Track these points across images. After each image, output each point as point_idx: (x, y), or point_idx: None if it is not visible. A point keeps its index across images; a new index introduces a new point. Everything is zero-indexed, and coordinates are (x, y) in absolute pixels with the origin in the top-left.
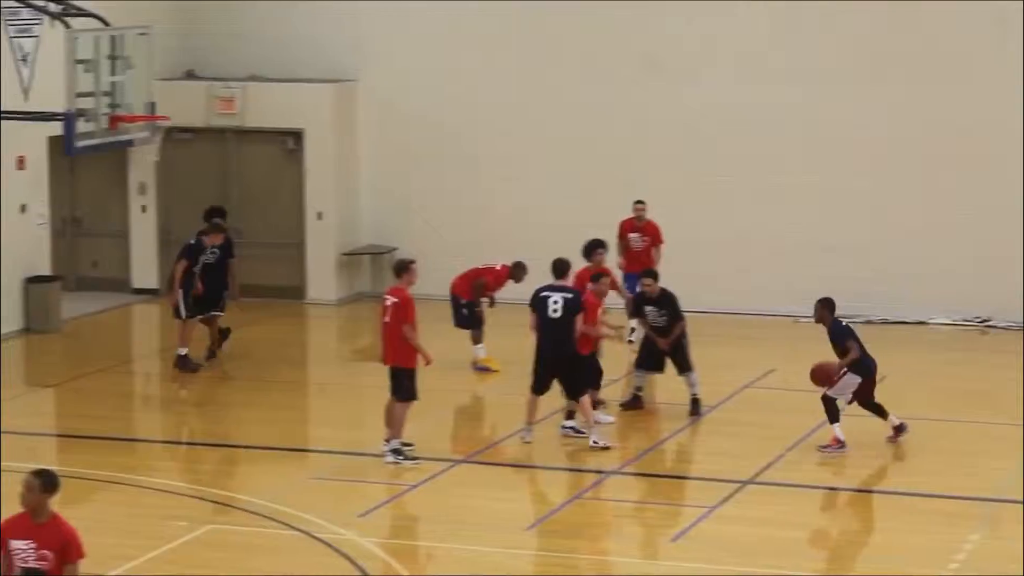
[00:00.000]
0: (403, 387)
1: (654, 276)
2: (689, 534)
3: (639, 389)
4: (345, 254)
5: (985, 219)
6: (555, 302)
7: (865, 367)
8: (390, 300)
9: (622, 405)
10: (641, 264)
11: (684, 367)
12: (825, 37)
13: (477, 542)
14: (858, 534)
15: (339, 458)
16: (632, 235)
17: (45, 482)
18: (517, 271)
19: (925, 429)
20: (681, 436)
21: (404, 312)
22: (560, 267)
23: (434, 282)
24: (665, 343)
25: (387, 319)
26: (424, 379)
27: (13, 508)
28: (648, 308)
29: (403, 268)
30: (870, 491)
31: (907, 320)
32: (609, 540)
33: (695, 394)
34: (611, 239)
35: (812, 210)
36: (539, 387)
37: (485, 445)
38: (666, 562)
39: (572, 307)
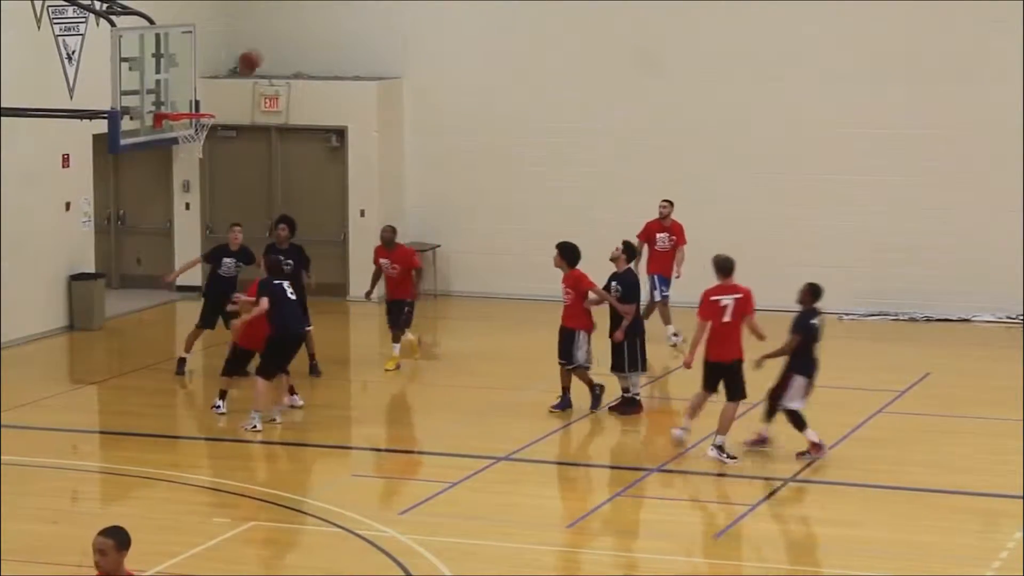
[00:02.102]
0: (740, 387)
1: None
2: (731, 532)
3: (626, 391)
4: None
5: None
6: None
7: (805, 367)
8: (729, 298)
9: (611, 408)
10: (667, 265)
11: (631, 364)
12: (879, 37)
13: (518, 539)
14: (900, 533)
15: (380, 455)
16: (660, 235)
17: (120, 541)
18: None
19: (969, 427)
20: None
21: (746, 307)
22: (725, 265)
23: (477, 281)
24: (619, 334)
25: (728, 318)
26: (460, 375)
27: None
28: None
29: (732, 266)
30: (912, 489)
31: (951, 318)
32: (650, 538)
33: (629, 393)
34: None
35: (859, 208)
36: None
37: (526, 442)
38: (708, 560)
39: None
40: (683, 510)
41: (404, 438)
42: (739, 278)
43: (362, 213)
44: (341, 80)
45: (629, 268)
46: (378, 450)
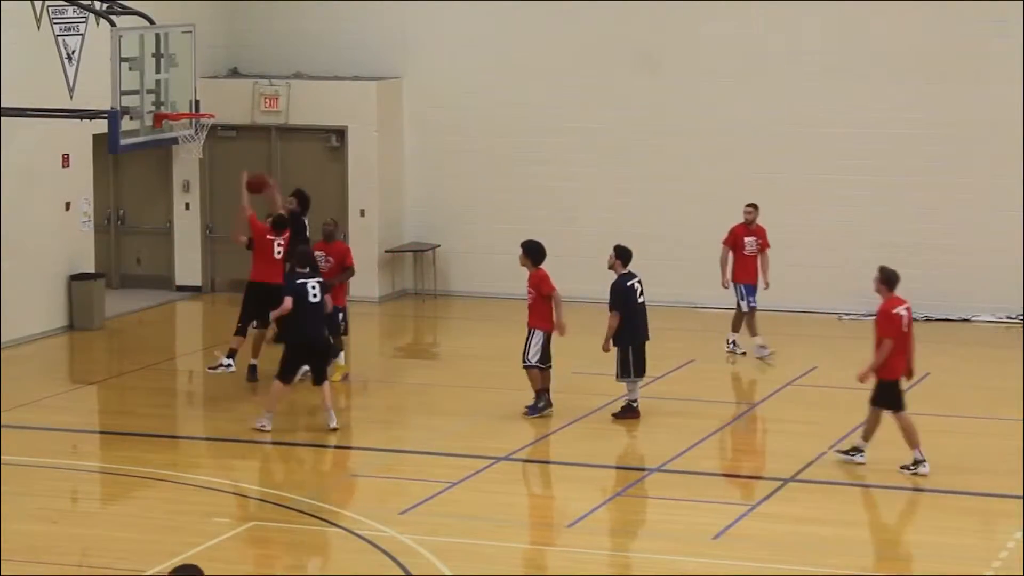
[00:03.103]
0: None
1: None
2: (730, 532)
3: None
4: (388, 251)
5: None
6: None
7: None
8: (903, 309)
9: (614, 416)
10: (753, 273)
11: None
12: (887, 38)
13: (518, 539)
14: (900, 533)
15: (380, 455)
16: (747, 239)
17: None
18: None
19: (969, 427)
20: (722, 433)
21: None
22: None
23: (476, 281)
24: (604, 344)
25: (905, 329)
26: (459, 375)
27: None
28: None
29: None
30: (912, 489)
31: (951, 317)
32: (650, 538)
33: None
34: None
35: (859, 207)
36: None
37: (526, 442)
38: (708, 560)
39: None
40: (682, 510)
41: (403, 438)
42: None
43: (362, 213)
44: (341, 80)
45: (622, 275)
46: (377, 450)
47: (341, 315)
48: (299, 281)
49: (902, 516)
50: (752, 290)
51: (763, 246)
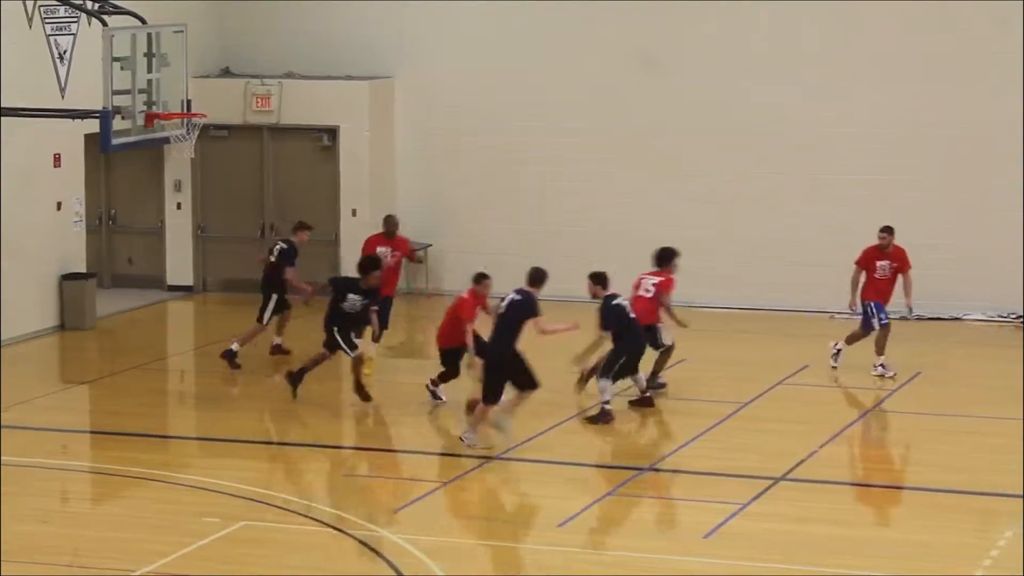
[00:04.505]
0: None
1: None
2: (721, 531)
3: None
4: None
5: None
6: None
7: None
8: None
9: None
10: (885, 292)
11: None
12: (875, 38)
13: (510, 539)
14: (891, 531)
15: (372, 455)
16: (880, 263)
17: None
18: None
19: (962, 425)
20: (714, 432)
21: None
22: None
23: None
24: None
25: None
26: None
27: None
28: None
29: None
30: (904, 488)
31: (943, 316)
32: (641, 537)
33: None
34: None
35: (850, 207)
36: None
37: (518, 441)
38: (698, 559)
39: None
40: (673, 509)
41: (396, 437)
42: (728, 276)
43: (353, 212)
44: (332, 80)
45: (606, 296)
46: (369, 449)
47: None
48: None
49: (893, 515)
50: (881, 308)
51: (900, 268)
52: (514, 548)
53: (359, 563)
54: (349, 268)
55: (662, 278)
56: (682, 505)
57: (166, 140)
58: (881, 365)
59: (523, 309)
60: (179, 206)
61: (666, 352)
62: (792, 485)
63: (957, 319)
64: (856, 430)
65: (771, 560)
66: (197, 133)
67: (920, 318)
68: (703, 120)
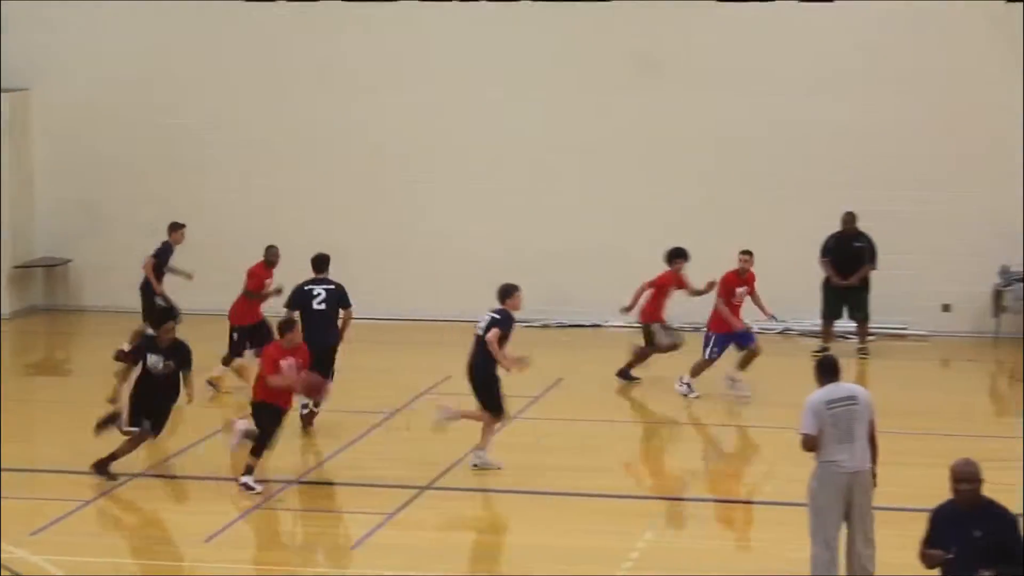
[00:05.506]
0: None
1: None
2: (368, 541)
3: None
4: (17, 267)
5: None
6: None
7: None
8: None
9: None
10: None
11: None
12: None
13: (156, 556)
14: (537, 535)
15: (11, 475)
16: (738, 289)
17: None
18: (269, 254)
19: (601, 430)
20: (358, 444)
21: None
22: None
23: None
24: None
25: None
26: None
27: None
28: None
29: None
30: (551, 493)
31: (584, 323)
32: (289, 550)
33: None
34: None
35: (500, 217)
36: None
37: (164, 457)
38: (348, 571)
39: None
40: (321, 521)
41: (38, 457)
42: (394, 285)
43: None
44: None
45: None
46: (10, 470)
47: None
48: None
49: (542, 520)
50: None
51: (749, 291)
52: (160, 565)
53: None
54: None
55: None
56: (329, 517)
57: None
58: (687, 384)
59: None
60: None
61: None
62: (442, 493)
63: (598, 326)
64: (501, 437)
65: (418, 568)
66: None
67: (562, 325)
68: (372, 128)
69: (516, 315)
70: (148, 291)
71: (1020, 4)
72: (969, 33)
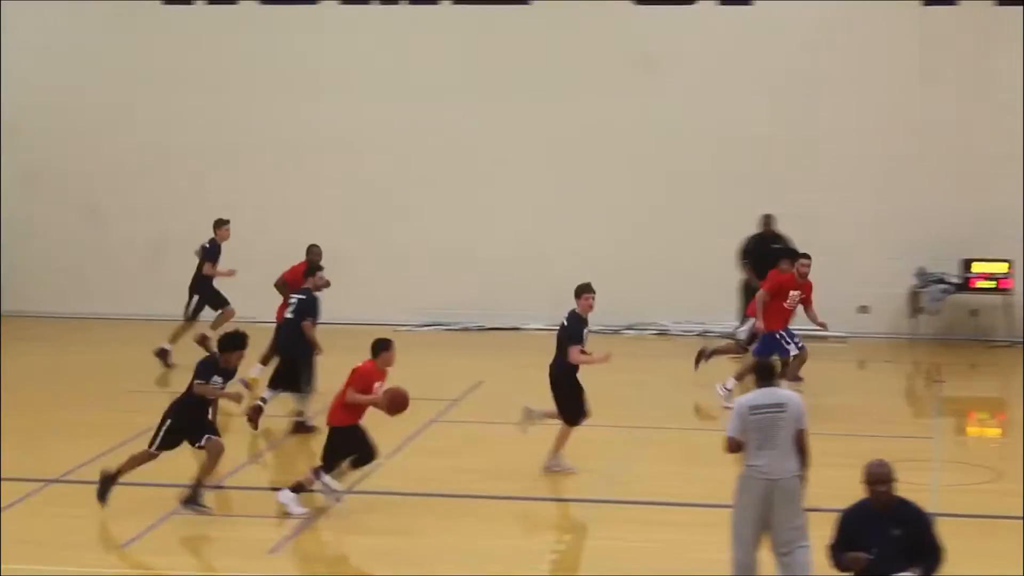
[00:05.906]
0: None
1: None
2: (288, 547)
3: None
4: None
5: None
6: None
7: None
8: None
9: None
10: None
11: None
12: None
13: (67, 563)
14: (455, 539)
15: None
16: (792, 292)
17: None
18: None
19: (519, 433)
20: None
21: None
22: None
23: None
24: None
25: None
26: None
27: None
28: None
29: None
30: (466, 496)
31: (503, 326)
32: (200, 555)
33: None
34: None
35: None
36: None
37: (77, 464)
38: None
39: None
40: (237, 527)
41: None
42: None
43: None
44: None
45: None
46: None
47: None
48: None
49: (455, 523)
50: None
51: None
52: (70, 573)
53: None
54: None
55: None
56: (243, 522)
57: None
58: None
59: None
60: None
61: None
62: (362, 497)
63: (517, 328)
64: (421, 441)
65: (336, 570)
66: None
67: (482, 328)
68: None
69: (587, 317)
70: (205, 289)
71: (933, 7)
72: (883, 37)
